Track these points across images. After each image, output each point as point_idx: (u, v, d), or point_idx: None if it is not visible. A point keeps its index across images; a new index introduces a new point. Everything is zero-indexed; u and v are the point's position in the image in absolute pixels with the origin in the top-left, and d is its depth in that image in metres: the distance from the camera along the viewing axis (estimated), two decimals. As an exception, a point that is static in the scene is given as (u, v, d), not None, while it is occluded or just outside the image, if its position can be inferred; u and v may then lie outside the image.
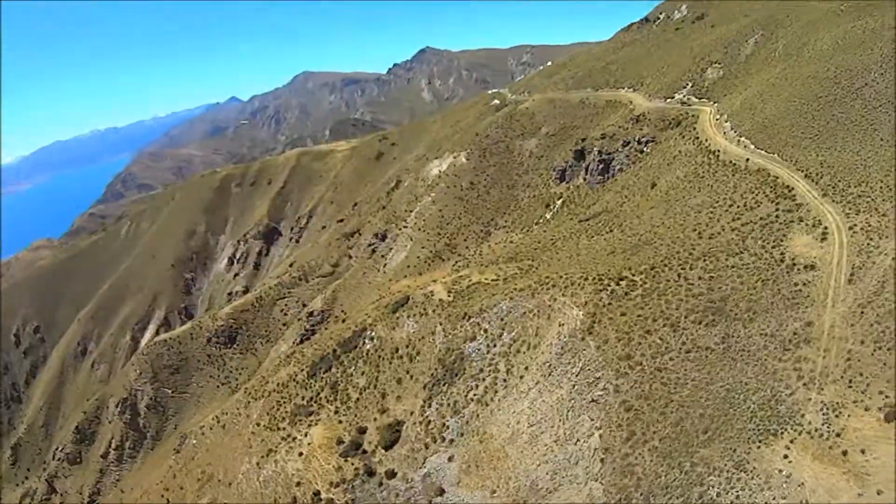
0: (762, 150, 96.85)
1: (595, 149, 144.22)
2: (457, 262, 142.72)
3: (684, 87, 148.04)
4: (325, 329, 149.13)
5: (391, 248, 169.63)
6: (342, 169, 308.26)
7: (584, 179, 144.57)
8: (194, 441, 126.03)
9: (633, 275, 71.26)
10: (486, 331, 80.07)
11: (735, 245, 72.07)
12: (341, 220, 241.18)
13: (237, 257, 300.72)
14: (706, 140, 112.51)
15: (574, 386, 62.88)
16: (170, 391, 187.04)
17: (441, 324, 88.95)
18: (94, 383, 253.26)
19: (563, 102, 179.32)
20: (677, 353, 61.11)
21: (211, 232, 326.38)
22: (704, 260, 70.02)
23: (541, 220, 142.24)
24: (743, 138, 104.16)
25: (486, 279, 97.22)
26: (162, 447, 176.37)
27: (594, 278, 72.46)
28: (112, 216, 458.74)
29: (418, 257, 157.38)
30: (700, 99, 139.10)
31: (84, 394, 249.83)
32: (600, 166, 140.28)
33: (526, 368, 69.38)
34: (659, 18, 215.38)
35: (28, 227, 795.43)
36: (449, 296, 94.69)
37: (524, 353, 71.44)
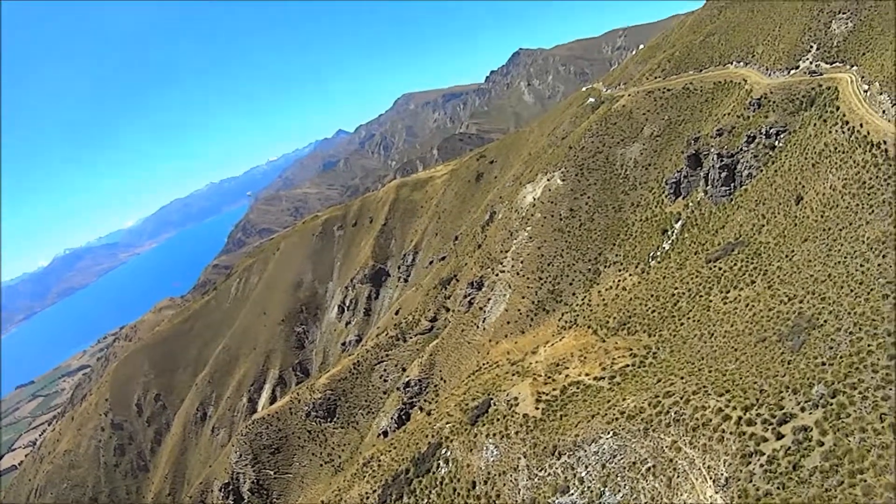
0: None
1: (712, 150, 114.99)
2: (563, 314, 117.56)
3: (808, 51, 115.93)
4: (414, 418, 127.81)
5: (489, 299, 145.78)
6: (443, 196, 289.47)
7: (705, 192, 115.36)
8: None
9: (803, 408, 43.50)
10: (581, 481, 55.11)
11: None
12: (443, 258, 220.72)
13: (347, 304, 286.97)
14: (860, 124, 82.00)
15: None
16: (272, 472, 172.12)
17: (525, 456, 64.79)
18: (216, 449, 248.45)
19: (663, 93, 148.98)
20: None
21: (318, 280, 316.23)
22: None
23: (658, 253, 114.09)
24: (915, 119, 74.10)
25: (587, 376, 72.04)
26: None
27: (739, 417, 45.44)
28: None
29: (519, 310, 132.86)
30: (832, 64, 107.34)
31: (206, 460, 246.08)
32: (723, 173, 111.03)
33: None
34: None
35: (154, 286, 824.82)
36: (537, 407, 70.07)
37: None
